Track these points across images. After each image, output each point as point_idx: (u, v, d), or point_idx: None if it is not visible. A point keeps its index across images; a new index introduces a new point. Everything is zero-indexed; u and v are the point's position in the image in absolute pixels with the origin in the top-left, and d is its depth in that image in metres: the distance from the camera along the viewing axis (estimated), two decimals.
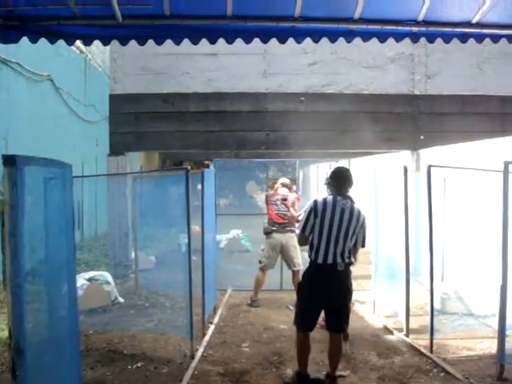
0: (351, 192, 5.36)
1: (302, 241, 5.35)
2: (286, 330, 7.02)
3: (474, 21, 5.23)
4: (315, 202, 5.22)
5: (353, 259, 5.19)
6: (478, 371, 5.45)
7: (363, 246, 5.32)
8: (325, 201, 5.16)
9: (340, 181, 5.29)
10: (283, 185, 8.71)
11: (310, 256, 5.21)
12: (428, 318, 6.18)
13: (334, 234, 5.05)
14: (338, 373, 5.36)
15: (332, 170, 5.50)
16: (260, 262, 8.57)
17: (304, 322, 5.28)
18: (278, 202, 8.48)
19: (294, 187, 9.62)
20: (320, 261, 5.07)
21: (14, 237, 2.23)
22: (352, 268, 5.32)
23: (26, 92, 10.39)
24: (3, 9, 4.91)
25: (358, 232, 5.17)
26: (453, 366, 5.56)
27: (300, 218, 7.53)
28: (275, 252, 8.50)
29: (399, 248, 6.71)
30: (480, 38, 5.39)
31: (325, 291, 5.10)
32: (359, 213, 5.16)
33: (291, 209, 8.31)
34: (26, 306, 2.32)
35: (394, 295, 7.24)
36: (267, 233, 8.54)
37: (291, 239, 8.38)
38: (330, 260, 5.04)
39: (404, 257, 6.62)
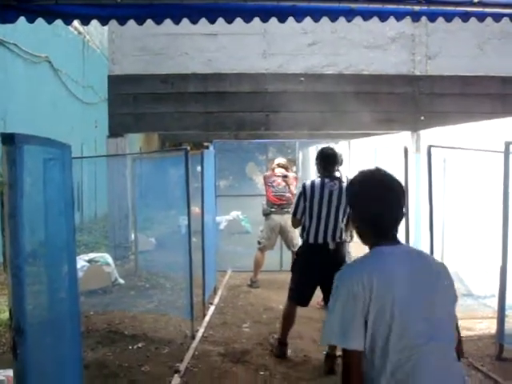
0: (344, 170, 5.42)
1: (295, 223, 5.63)
2: None
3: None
4: (304, 185, 5.43)
5: (347, 237, 5.44)
6: (478, 351, 5.49)
7: None
8: (313, 184, 5.36)
9: (326, 161, 5.45)
10: (279, 165, 8.70)
11: (301, 236, 5.46)
12: None
13: (323, 215, 5.24)
14: (339, 353, 5.42)
15: (318, 150, 5.61)
16: (259, 242, 8.58)
17: (298, 298, 5.49)
18: (275, 184, 8.49)
19: (294, 168, 9.61)
20: (311, 241, 5.30)
21: (14, 217, 2.21)
22: (351, 248, 5.37)
23: (23, 73, 10.33)
24: None
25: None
26: None
27: None
28: (274, 233, 8.51)
29: (399, 229, 6.70)
30: (482, 17, 5.32)
31: (316, 269, 5.26)
32: None
33: (291, 186, 8.33)
34: (26, 287, 2.32)
35: None
36: (266, 214, 8.55)
37: (290, 220, 8.38)
38: (320, 240, 5.26)
39: (404, 238, 6.61)
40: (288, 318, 5.56)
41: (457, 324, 2.24)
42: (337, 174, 5.57)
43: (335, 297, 2.14)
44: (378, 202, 2.24)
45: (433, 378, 2.07)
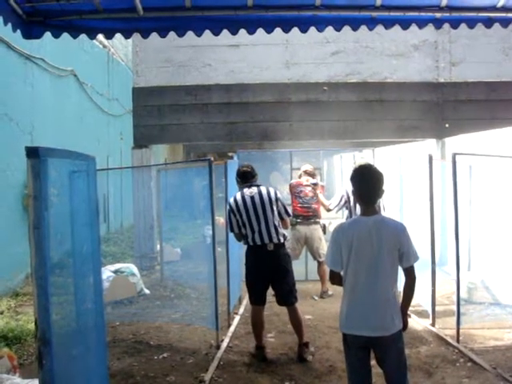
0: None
1: (238, 237, 6.10)
2: (312, 321, 7.03)
3: (499, 5, 5.13)
4: (229, 203, 6.06)
5: (282, 238, 5.84)
6: (506, 361, 5.38)
7: (289, 215, 6.10)
8: (235, 199, 5.96)
9: (242, 176, 6.10)
10: (306, 172, 8.62)
11: (244, 243, 6.01)
12: (454, 307, 6.12)
13: (253, 220, 5.78)
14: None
15: (237, 169, 6.32)
16: None
17: (253, 296, 5.94)
18: (302, 194, 8.43)
19: (319, 177, 9.56)
20: (251, 243, 5.83)
21: (38, 228, 2.25)
22: None
23: (50, 87, 10.49)
24: (26, 4, 4.96)
25: (278, 207, 5.91)
26: (480, 355, 5.50)
27: (331, 208, 7.69)
28: (300, 244, 8.48)
29: (425, 237, 6.65)
30: (505, 23, 5.29)
31: (260, 270, 5.82)
32: (268, 192, 5.92)
33: (321, 196, 8.29)
34: (50, 297, 2.35)
35: (420, 285, 7.17)
36: (292, 224, 8.50)
37: (316, 231, 8.37)
38: (258, 242, 5.77)
39: (430, 246, 6.56)
40: (256, 322, 5.91)
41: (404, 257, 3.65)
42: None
43: (330, 239, 3.73)
44: (360, 184, 3.69)
45: (365, 286, 3.55)
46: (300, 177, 8.69)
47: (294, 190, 8.58)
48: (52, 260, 2.52)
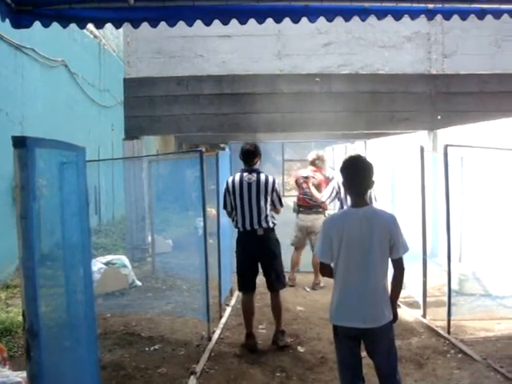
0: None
1: (229, 215, 6.14)
2: (303, 312, 7.03)
3: None
4: (227, 182, 6.06)
5: (271, 224, 5.88)
6: (496, 352, 5.40)
7: (281, 205, 6.07)
8: (233, 179, 5.99)
9: (244, 157, 6.01)
10: (310, 162, 8.67)
11: (234, 227, 6.04)
12: (445, 299, 6.13)
13: (246, 205, 5.82)
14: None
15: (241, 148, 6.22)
16: (292, 244, 8.67)
17: (243, 283, 5.96)
18: (304, 186, 8.47)
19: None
20: (241, 229, 5.89)
21: (25, 219, 2.22)
22: None
23: (40, 78, 10.40)
24: None
25: (273, 197, 5.92)
26: (470, 347, 5.53)
27: (323, 200, 7.70)
28: (301, 233, 8.55)
29: (416, 229, 6.65)
30: (498, 14, 5.26)
31: (250, 254, 5.88)
32: (266, 181, 5.90)
33: (313, 189, 8.28)
34: (38, 289, 2.32)
35: (411, 276, 7.19)
36: (296, 212, 8.63)
37: (317, 221, 8.35)
38: (248, 227, 5.83)
39: (421, 238, 6.56)
40: (246, 309, 5.95)
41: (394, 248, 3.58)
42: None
43: (320, 231, 3.79)
44: (350, 176, 3.67)
45: (356, 273, 3.54)
46: (310, 165, 8.69)
47: (298, 181, 8.67)
48: (41, 251, 2.49)
